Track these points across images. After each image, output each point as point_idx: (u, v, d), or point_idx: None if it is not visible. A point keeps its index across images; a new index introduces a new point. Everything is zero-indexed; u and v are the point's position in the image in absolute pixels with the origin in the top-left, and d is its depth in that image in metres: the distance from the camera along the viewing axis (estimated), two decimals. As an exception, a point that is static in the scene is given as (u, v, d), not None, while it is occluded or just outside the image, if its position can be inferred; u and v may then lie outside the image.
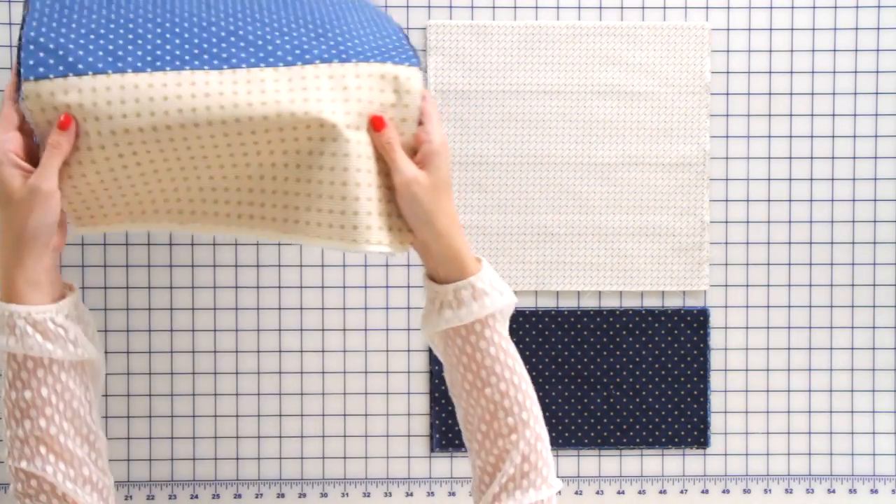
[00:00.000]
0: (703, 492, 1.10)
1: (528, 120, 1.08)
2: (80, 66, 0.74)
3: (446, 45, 1.07)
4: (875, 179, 1.09)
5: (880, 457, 1.11)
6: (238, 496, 1.09)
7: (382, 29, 0.83)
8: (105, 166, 0.75)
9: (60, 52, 0.74)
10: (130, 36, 0.76)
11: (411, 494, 1.09)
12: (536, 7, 1.08)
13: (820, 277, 1.10)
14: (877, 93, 1.09)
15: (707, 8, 1.08)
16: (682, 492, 1.10)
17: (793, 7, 1.08)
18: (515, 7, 1.08)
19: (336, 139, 0.76)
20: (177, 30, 0.77)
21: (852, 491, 1.10)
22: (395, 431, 1.09)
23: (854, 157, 1.09)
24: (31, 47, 0.74)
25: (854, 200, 1.10)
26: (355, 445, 1.09)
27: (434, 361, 1.09)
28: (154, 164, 0.76)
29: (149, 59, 0.75)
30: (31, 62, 0.74)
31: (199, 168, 0.77)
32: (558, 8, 1.08)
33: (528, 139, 1.08)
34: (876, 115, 1.09)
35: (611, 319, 1.09)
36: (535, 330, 1.08)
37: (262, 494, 1.09)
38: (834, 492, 1.10)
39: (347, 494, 1.09)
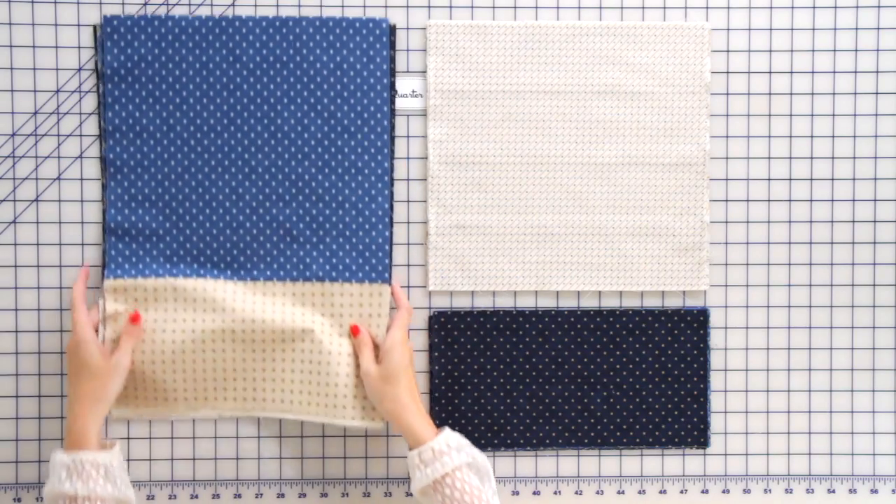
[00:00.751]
0: (703, 492, 1.10)
1: (528, 120, 1.08)
2: (147, 272, 1.04)
3: (446, 45, 1.07)
4: (875, 179, 1.09)
5: (880, 457, 1.11)
6: (238, 496, 1.09)
7: (371, 240, 1.06)
8: (149, 356, 1.04)
9: (133, 259, 1.04)
10: (187, 245, 1.05)
11: (411, 494, 1.09)
12: (536, 7, 1.08)
13: (820, 277, 1.10)
14: (877, 93, 1.09)
15: (707, 8, 1.08)
16: (682, 492, 1.10)
17: (793, 7, 1.08)
18: (515, 7, 1.08)
19: (321, 344, 1.04)
20: (216, 245, 1.05)
21: (852, 491, 1.10)
22: (395, 431, 1.09)
23: (854, 157, 1.09)
24: (113, 252, 1.04)
25: (854, 200, 1.10)
26: (355, 445, 1.09)
27: (434, 361, 1.09)
28: (184, 354, 1.04)
29: (195, 265, 1.05)
30: (113, 266, 1.04)
31: (218, 360, 1.04)
32: (558, 8, 1.08)
33: (528, 139, 1.08)
34: (876, 115, 1.09)
35: (611, 319, 1.09)
36: (535, 330, 1.08)
37: (261, 494, 1.09)
38: (834, 492, 1.10)
39: (347, 494, 1.09)
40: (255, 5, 1.07)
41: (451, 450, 0.96)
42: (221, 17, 1.04)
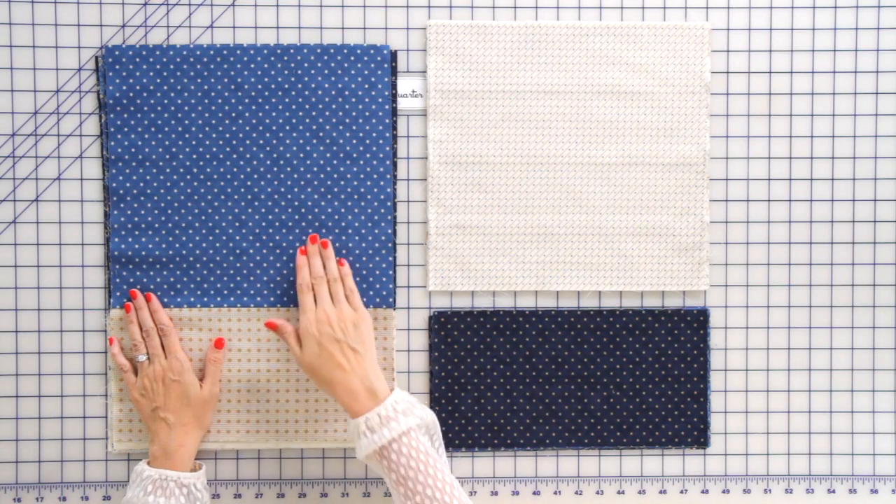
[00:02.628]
0: (703, 492, 1.10)
1: (528, 120, 1.08)
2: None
3: (446, 45, 1.07)
4: (875, 179, 1.09)
5: (880, 457, 1.11)
6: (238, 496, 1.09)
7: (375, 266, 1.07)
8: None
9: (138, 287, 1.06)
10: (190, 272, 1.06)
11: (411, 494, 1.09)
12: (536, 7, 1.08)
13: (820, 277, 1.10)
14: (877, 93, 1.09)
15: (707, 8, 1.08)
16: (682, 492, 1.10)
17: (793, 7, 1.08)
18: (515, 7, 1.08)
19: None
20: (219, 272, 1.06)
21: (852, 491, 1.10)
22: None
23: (854, 157, 1.09)
24: (118, 280, 1.06)
25: (854, 200, 1.10)
26: (355, 445, 1.09)
27: (434, 361, 1.09)
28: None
29: (198, 293, 1.06)
30: (118, 294, 1.06)
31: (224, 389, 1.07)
32: (558, 8, 1.08)
33: (528, 139, 1.08)
34: (876, 115, 1.09)
35: (611, 319, 1.09)
36: (535, 330, 1.08)
37: (261, 494, 1.09)
38: (834, 492, 1.10)
39: (347, 494, 1.09)
40: (255, 6, 1.07)
41: (397, 415, 0.94)
42: (222, 46, 1.05)
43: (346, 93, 1.05)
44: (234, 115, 1.05)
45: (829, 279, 1.10)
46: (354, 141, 1.05)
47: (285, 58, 1.05)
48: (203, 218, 1.05)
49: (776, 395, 1.10)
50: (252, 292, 1.06)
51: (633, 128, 1.08)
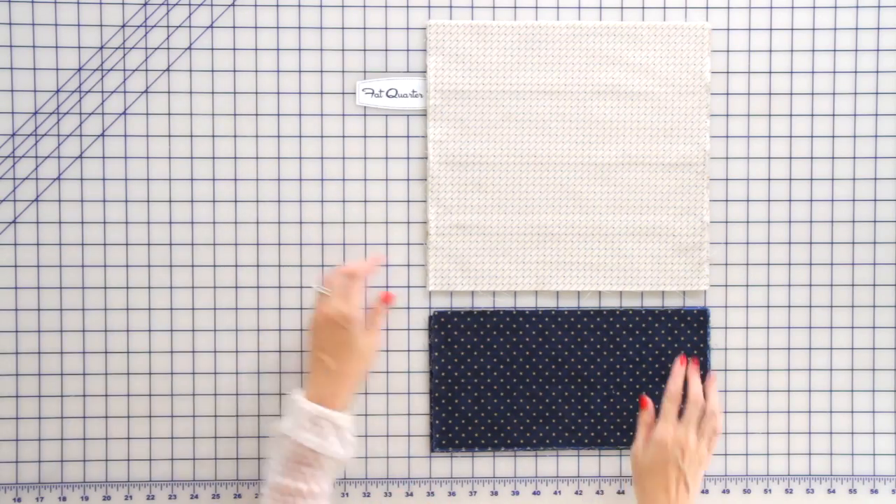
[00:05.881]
0: (703, 492, 1.10)
1: (528, 120, 1.08)
2: None
3: (446, 45, 1.07)
4: (875, 179, 1.09)
5: (880, 457, 1.11)
6: (238, 496, 1.09)
7: None
8: None
9: None
10: None
11: (411, 494, 1.09)
12: (536, 7, 1.08)
13: (820, 277, 1.10)
14: (877, 93, 1.09)
15: (707, 8, 1.08)
16: (682, 492, 1.10)
17: (793, 7, 1.08)
18: (515, 7, 1.08)
19: None
20: None
21: (852, 491, 1.10)
22: (395, 431, 1.09)
23: (854, 157, 1.09)
24: None
25: (854, 200, 1.10)
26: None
27: (434, 361, 1.09)
28: None
29: None
30: None
31: None
32: (558, 8, 1.08)
33: (528, 139, 1.08)
34: (876, 115, 1.09)
35: (611, 319, 1.09)
36: (535, 330, 1.08)
37: (262, 494, 1.09)
38: (834, 492, 1.10)
39: (347, 494, 1.09)
40: (255, 6, 1.07)
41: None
42: None
43: None
44: None
45: (829, 279, 1.10)
46: None
47: None
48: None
49: (776, 395, 1.10)
50: None
51: (633, 128, 1.08)
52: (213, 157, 1.08)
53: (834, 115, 1.09)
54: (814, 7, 1.08)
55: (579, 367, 1.09)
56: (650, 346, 1.09)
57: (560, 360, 1.09)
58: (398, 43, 1.08)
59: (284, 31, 1.07)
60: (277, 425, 0.97)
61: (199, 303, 1.08)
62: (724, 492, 1.10)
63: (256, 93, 1.08)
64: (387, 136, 1.08)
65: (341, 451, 0.95)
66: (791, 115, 1.09)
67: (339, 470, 0.97)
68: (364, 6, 1.07)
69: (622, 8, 1.08)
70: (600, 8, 1.08)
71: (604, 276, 1.09)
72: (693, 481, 1.00)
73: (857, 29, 1.09)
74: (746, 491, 1.10)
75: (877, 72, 1.09)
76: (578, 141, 1.08)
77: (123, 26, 1.06)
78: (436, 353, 1.09)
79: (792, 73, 1.09)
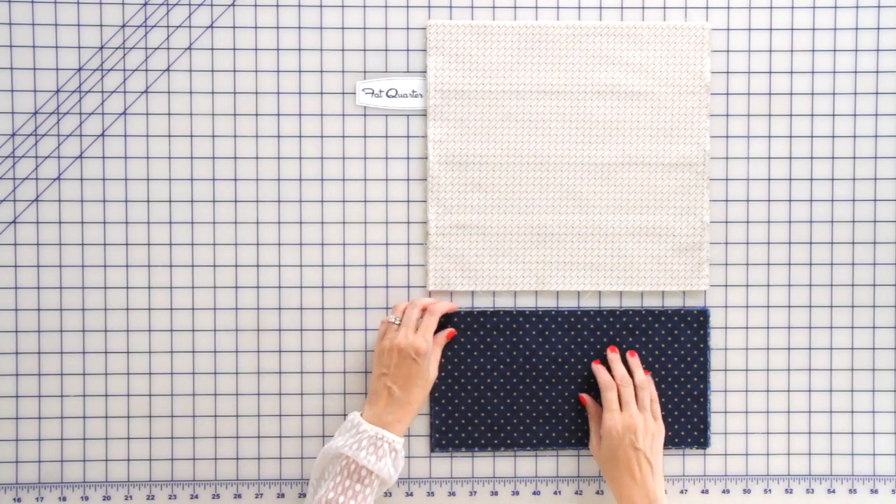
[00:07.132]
0: (703, 492, 1.10)
1: (528, 120, 1.08)
2: None
3: (446, 45, 1.07)
4: (875, 179, 1.09)
5: (880, 457, 1.11)
6: (238, 496, 1.09)
7: None
8: None
9: None
10: None
11: (411, 494, 1.09)
12: (536, 7, 1.08)
13: (820, 277, 1.10)
14: (877, 93, 1.09)
15: (707, 8, 1.08)
16: (682, 492, 1.10)
17: (793, 7, 1.08)
18: (515, 7, 1.08)
19: None
20: None
21: (852, 491, 1.10)
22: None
23: (854, 157, 1.09)
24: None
25: (854, 200, 1.10)
26: (355, 445, 1.09)
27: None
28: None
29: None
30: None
31: None
32: (558, 8, 1.08)
33: (528, 139, 1.08)
34: (876, 115, 1.09)
35: (611, 319, 1.09)
36: (535, 330, 1.08)
37: (262, 494, 1.09)
38: (834, 492, 1.10)
39: (347, 494, 1.09)
40: (255, 6, 1.07)
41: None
42: None
43: None
44: None
45: (829, 279, 1.10)
46: None
47: None
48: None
49: (776, 395, 1.10)
50: None
51: (633, 128, 1.08)
52: (213, 157, 1.08)
53: (834, 115, 1.09)
54: (814, 7, 1.08)
55: (579, 367, 1.09)
56: (650, 346, 1.09)
57: (560, 360, 1.09)
58: (398, 43, 1.08)
59: (284, 31, 1.07)
60: (333, 444, 0.99)
61: (199, 303, 1.08)
62: (724, 492, 1.10)
63: (256, 93, 1.08)
64: (387, 136, 1.08)
65: (392, 472, 0.99)
66: (791, 115, 1.09)
67: (381, 491, 0.99)
68: (364, 6, 1.07)
69: (622, 8, 1.08)
70: (600, 8, 1.08)
71: (604, 276, 1.09)
72: (654, 456, 1.02)
73: (857, 29, 1.09)
74: (746, 491, 1.10)
75: (877, 72, 1.09)
76: (578, 141, 1.08)
77: (123, 26, 1.06)
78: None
79: (792, 73, 1.09)
